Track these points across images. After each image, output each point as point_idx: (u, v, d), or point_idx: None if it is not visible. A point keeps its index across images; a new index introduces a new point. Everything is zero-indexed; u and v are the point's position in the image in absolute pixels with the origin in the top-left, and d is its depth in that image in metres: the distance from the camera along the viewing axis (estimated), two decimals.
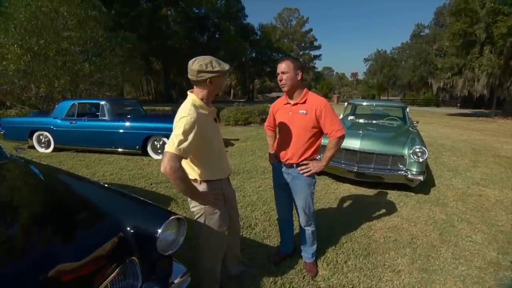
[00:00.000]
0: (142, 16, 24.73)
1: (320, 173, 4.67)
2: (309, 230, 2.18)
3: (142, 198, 1.68)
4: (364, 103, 6.02)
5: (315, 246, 2.26)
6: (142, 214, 1.53)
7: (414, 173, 3.65)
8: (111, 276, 1.23)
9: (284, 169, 2.08)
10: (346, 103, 6.27)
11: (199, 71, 1.46)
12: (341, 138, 1.92)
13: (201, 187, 1.57)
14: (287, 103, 2.02)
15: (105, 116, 5.94)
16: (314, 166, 1.98)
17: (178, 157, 1.36)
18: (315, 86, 60.91)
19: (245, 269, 2.16)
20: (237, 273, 2.08)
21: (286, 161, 2.04)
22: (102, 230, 1.42)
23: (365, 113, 6.15)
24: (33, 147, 6.42)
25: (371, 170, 3.82)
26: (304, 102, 1.94)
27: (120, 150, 5.88)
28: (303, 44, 50.57)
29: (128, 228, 1.42)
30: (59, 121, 6.17)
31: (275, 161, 2.16)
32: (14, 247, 1.23)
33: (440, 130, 11.42)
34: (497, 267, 2.40)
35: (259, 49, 41.48)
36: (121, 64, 11.55)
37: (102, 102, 6.07)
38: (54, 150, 6.32)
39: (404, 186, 3.94)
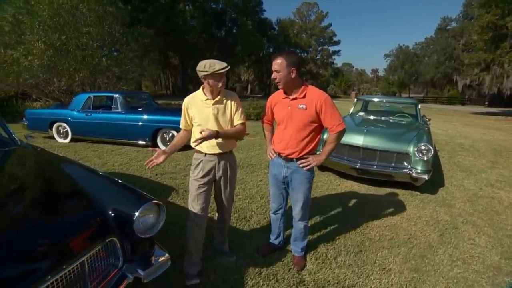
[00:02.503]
0: (160, 11, 25.16)
1: (324, 169, 4.66)
2: (301, 225, 2.18)
3: (126, 184, 1.76)
4: (375, 99, 5.84)
5: (305, 241, 2.26)
6: (123, 198, 1.61)
7: (419, 171, 3.53)
8: (92, 251, 1.33)
9: (283, 163, 2.07)
10: (355, 99, 6.12)
11: (198, 71, 1.84)
12: (342, 132, 1.91)
13: (194, 154, 2.03)
14: (286, 97, 1.99)
15: (118, 109, 6.16)
16: (314, 160, 1.97)
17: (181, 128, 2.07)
18: (333, 82, 59.82)
19: (227, 252, 2.26)
20: (218, 249, 2.33)
21: (286, 155, 2.03)
22: (84, 210, 1.51)
23: (376, 109, 5.98)
24: (52, 137, 6.78)
25: (374, 167, 3.73)
26: (304, 97, 1.91)
27: (140, 142, 6.04)
28: (321, 40, 49.60)
29: (110, 211, 1.50)
30: (75, 113, 6.46)
31: (275, 155, 2.14)
32: (7, 220, 1.35)
33: (460, 129, 10.91)
34: (497, 271, 2.30)
35: (277, 44, 41.14)
36: (137, 58, 11.87)
37: (116, 95, 6.29)
38: (71, 141, 6.64)
39: (410, 185, 3.83)
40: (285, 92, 1.99)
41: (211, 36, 33.04)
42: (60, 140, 6.74)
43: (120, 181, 1.80)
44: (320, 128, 1.99)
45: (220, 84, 1.86)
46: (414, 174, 3.53)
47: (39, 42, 9.46)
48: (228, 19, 34.73)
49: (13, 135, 2.54)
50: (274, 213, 2.32)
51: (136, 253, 1.57)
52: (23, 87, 11.24)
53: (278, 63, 1.85)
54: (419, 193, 3.82)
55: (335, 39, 50.32)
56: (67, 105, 7.18)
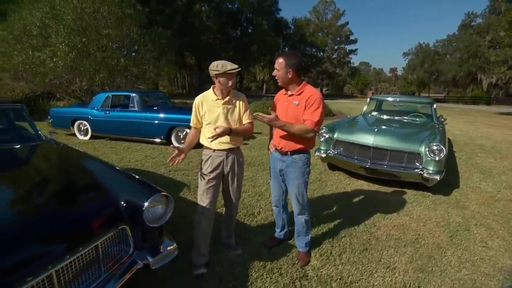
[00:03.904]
0: (177, 13, 25.69)
1: (334, 168, 4.65)
2: (302, 219, 2.23)
3: (138, 177, 1.88)
4: (388, 99, 5.74)
5: (309, 236, 2.31)
6: (134, 190, 1.73)
7: (431, 172, 3.47)
8: (105, 237, 1.46)
9: (279, 156, 2.17)
10: (368, 99, 6.03)
11: (210, 70, 1.95)
12: (309, 130, 1.94)
13: (204, 150, 2.12)
14: (286, 93, 2.13)
15: (135, 107, 6.41)
16: (265, 116, 1.93)
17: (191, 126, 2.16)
18: (350, 82, 58.77)
19: (232, 245, 2.35)
20: (224, 243, 2.40)
21: (281, 148, 2.14)
22: (99, 200, 1.65)
23: (390, 109, 5.88)
24: (74, 134, 7.13)
25: (385, 166, 3.70)
26: (299, 94, 2.03)
27: (157, 140, 6.24)
28: (338, 38, 48.86)
29: (122, 202, 1.62)
30: (95, 111, 6.77)
31: (273, 149, 2.26)
32: (32, 206, 1.51)
33: (482, 130, 10.47)
34: (508, 275, 2.24)
35: (292, 43, 40.93)
36: (154, 58, 12.22)
37: (133, 94, 6.54)
38: (91, 138, 6.96)
39: (422, 185, 3.76)
40: (285, 90, 2.12)
41: (226, 36, 33.38)
42: (81, 137, 7.08)
43: (132, 174, 1.92)
44: None
45: (230, 83, 1.97)
46: (425, 175, 3.47)
47: (63, 44, 9.95)
48: (244, 19, 34.93)
49: (39, 132, 2.75)
50: (275, 205, 2.41)
51: (145, 241, 1.68)
52: (48, 87, 11.87)
53: (279, 63, 1.99)
54: (431, 194, 3.75)
55: (352, 37, 49.48)
56: (87, 104, 7.52)
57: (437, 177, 3.43)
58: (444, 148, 3.45)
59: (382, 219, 3.03)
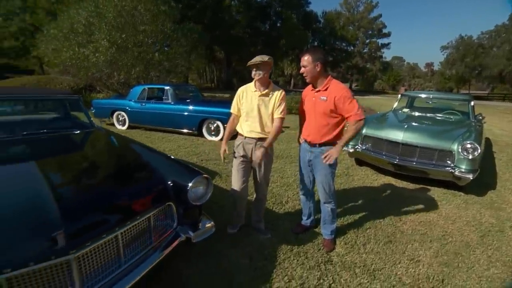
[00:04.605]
0: (207, 7, 26.14)
1: (361, 163, 4.66)
2: (328, 207, 2.35)
3: (182, 161, 2.11)
4: (421, 95, 5.55)
5: (334, 225, 2.43)
6: (180, 172, 1.96)
7: (463, 170, 3.38)
8: (155, 211, 1.69)
9: (308, 148, 2.31)
10: (400, 95, 5.87)
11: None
12: (358, 122, 2.05)
13: (237, 136, 2.38)
14: (313, 89, 2.24)
15: (168, 100, 6.79)
16: (332, 153, 2.11)
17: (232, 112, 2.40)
18: (381, 77, 56.27)
19: (262, 230, 2.52)
20: (254, 226, 2.58)
21: (309, 141, 2.27)
22: (149, 179, 1.89)
23: (422, 106, 5.69)
24: (113, 124, 7.71)
25: (414, 163, 3.66)
26: (326, 90, 2.14)
27: (185, 131, 6.64)
28: (370, 32, 46.77)
29: (169, 182, 1.85)
30: (132, 103, 7.27)
31: (302, 140, 2.40)
32: (91, 185, 1.77)
33: None
34: None
35: (322, 37, 39.99)
36: (186, 53, 12.68)
37: (167, 87, 6.93)
38: (128, 128, 7.49)
39: (453, 184, 3.67)
40: (312, 85, 2.23)
41: (255, 30, 33.34)
42: (119, 127, 7.63)
43: (176, 158, 2.16)
44: (341, 119, 2.17)
45: (253, 73, 2.19)
46: (457, 173, 3.39)
47: (105, 40, 10.68)
48: (273, 12, 34.62)
49: (92, 120, 3.11)
50: (303, 194, 2.55)
51: (187, 218, 1.91)
52: (90, 80, 12.82)
53: (305, 59, 2.10)
54: (462, 194, 3.66)
55: (384, 31, 47.09)
56: (125, 96, 8.06)
57: (470, 176, 3.34)
58: (478, 147, 3.34)
59: (408, 215, 3.05)
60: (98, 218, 1.44)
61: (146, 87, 7.40)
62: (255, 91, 2.25)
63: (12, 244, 1.16)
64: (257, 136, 2.27)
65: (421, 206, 3.26)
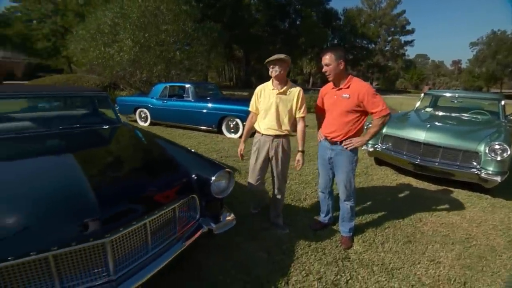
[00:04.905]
0: (227, 6, 26.39)
1: (381, 163, 4.59)
2: (348, 205, 2.36)
3: (206, 156, 2.19)
4: (446, 94, 5.34)
5: (353, 223, 2.44)
6: (203, 166, 2.05)
7: (490, 172, 3.25)
8: (180, 202, 1.78)
9: (329, 145, 2.33)
10: (423, 94, 5.68)
11: None
12: (385, 117, 2.08)
13: (255, 133, 2.48)
14: (333, 87, 2.26)
15: (189, 97, 6.97)
16: (356, 141, 2.19)
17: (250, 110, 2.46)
18: (404, 76, 54.36)
19: (280, 225, 2.57)
20: (273, 221, 2.63)
21: (331, 138, 2.28)
22: (175, 172, 1.97)
23: (447, 105, 5.49)
24: (135, 121, 8.02)
25: (436, 164, 3.56)
26: (348, 87, 2.15)
27: (203, 127, 6.80)
28: (392, 29, 45.26)
29: (193, 175, 1.94)
30: (154, 100, 7.53)
31: (322, 138, 2.42)
32: (123, 176, 1.90)
33: None
34: None
35: (342, 35, 39.21)
36: (206, 52, 12.91)
37: (187, 85, 7.11)
38: (150, 124, 7.77)
39: (480, 187, 3.54)
40: (333, 84, 2.24)
41: (274, 29, 33.25)
42: (141, 124, 7.93)
43: (199, 153, 2.26)
44: (362, 117, 2.18)
45: (270, 71, 2.26)
46: (483, 175, 3.27)
47: (129, 40, 11.09)
48: (292, 10, 34.34)
49: (119, 116, 3.28)
50: (322, 191, 2.57)
51: (209, 210, 1.99)
52: (114, 78, 13.36)
53: (327, 58, 2.12)
54: (489, 197, 3.52)
55: (408, 27, 45.39)
56: (147, 93, 8.36)
57: (498, 179, 3.21)
58: (508, 148, 3.20)
59: (429, 216, 2.99)
60: (129, 206, 1.55)
61: (168, 85, 7.63)
62: (273, 89, 2.31)
63: (58, 226, 1.29)
64: (274, 133, 2.34)
65: (443, 208, 3.18)
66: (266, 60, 2.22)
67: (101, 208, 1.37)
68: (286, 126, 2.34)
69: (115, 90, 13.98)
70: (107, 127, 2.93)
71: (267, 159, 2.43)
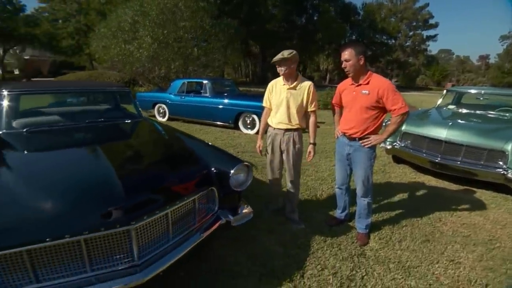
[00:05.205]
0: (244, 2, 26.36)
1: (399, 161, 4.49)
2: (365, 201, 2.35)
3: (224, 150, 2.25)
4: (471, 91, 5.12)
5: (369, 219, 2.42)
6: (222, 159, 2.11)
7: None
8: (199, 194, 1.84)
9: (347, 141, 2.32)
10: (445, 91, 5.47)
11: None
12: (404, 114, 2.06)
13: (268, 128, 2.55)
14: (352, 83, 2.24)
15: (206, 93, 7.08)
16: (375, 139, 2.18)
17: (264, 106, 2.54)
18: (424, 73, 52.35)
19: (295, 220, 2.60)
20: (288, 217, 2.66)
21: (350, 135, 2.28)
22: (195, 165, 2.04)
23: (471, 103, 5.26)
24: (153, 116, 8.23)
25: (458, 163, 3.45)
26: (367, 84, 2.13)
27: (219, 123, 6.90)
28: (414, 23, 43.58)
29: (212, 168, 1.99)
30: (172, 96, 7.70)
31: (340, 135, 2.42)
32: (147, 168, 1.99)
33: None
34: None
35: (361, 30, 38.21)
36: (223, 48, 13.03)
37: (205, 81, 7.22)
38: (168, 120, 7.95)
39: (506, 188, 3.39)
40: (352, 80, 2.22)
41: (291, 24, 32.88)
42: (160, 119, 8.13)
43: (219, 147, 2.32)
44: (381, 113, 2.16)
45: (278, 70, 2.31)
46: (510, 175, 3.14)
47: (148, 37, 11.38)
48: (310, 5, 33.78)
49: (140, 111, 3.39)
50: (339, 187, 2.57)
51: (227, 202, 2.05)
52: (134, 74, 13.76)
53: (347, 53, 2.09)
54: None
55: (431, 21, 43.56)
56: (165, 89, 8.53)
57: None
58: None
59: (449, 215, 2.91)
60: (153, 196, 1.63)
61: (186, 81, 7.77)
62: (284, 84, 2.36)
63: (88, 212, 1.38)
64: (285, 127, 2.39)
65: (464, 208, 3.09)
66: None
67: (127, 197, 1.45)
68: (296, 121, 2.38)
69: (134, 86, 14.39)
70: (129, 121, 3.05)
71: (281, 153, 2.48)
